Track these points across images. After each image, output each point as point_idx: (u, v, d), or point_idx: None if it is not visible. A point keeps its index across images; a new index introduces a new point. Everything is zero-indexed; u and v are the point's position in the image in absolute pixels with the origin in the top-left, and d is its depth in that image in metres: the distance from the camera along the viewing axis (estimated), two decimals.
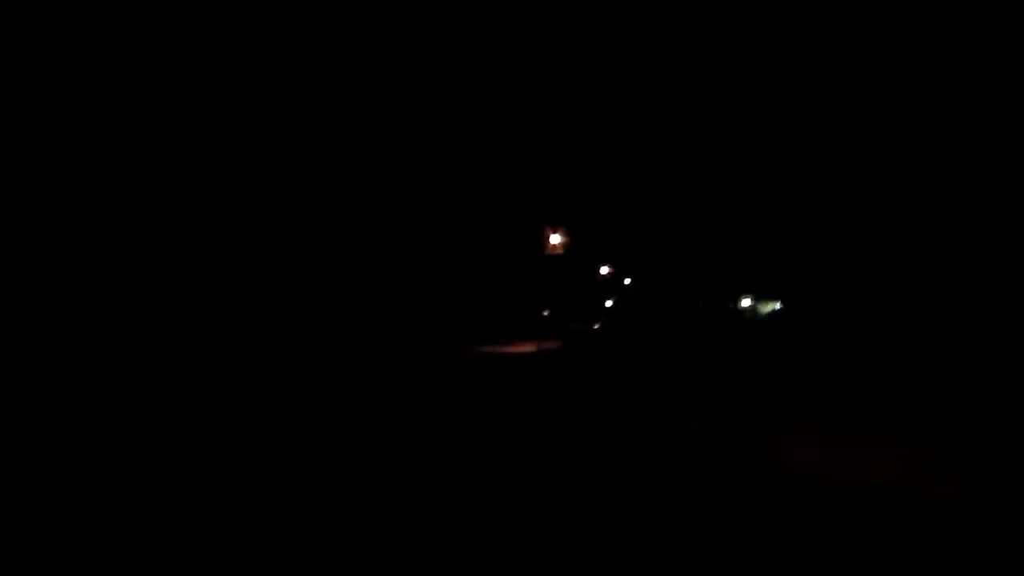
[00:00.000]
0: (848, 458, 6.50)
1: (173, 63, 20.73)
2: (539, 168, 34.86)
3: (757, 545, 4.52)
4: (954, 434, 7.37)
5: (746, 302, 49.41)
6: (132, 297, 18.76)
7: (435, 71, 28.06)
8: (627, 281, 47.46)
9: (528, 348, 23.78)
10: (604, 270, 44.76)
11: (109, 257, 19.00)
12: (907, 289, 22.99)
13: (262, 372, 14.24)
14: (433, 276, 31.29)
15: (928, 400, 9.12)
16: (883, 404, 8.93)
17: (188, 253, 21.10)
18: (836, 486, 5.70)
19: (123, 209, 19.78)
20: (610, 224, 41.35)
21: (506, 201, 34.42)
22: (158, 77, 20.49)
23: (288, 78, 23.83)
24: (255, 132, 23.13)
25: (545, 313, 38.49)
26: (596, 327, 34.69)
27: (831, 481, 5.83)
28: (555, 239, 35.21)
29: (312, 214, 25.62)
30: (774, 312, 44.97)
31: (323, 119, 25.55)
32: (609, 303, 45.87)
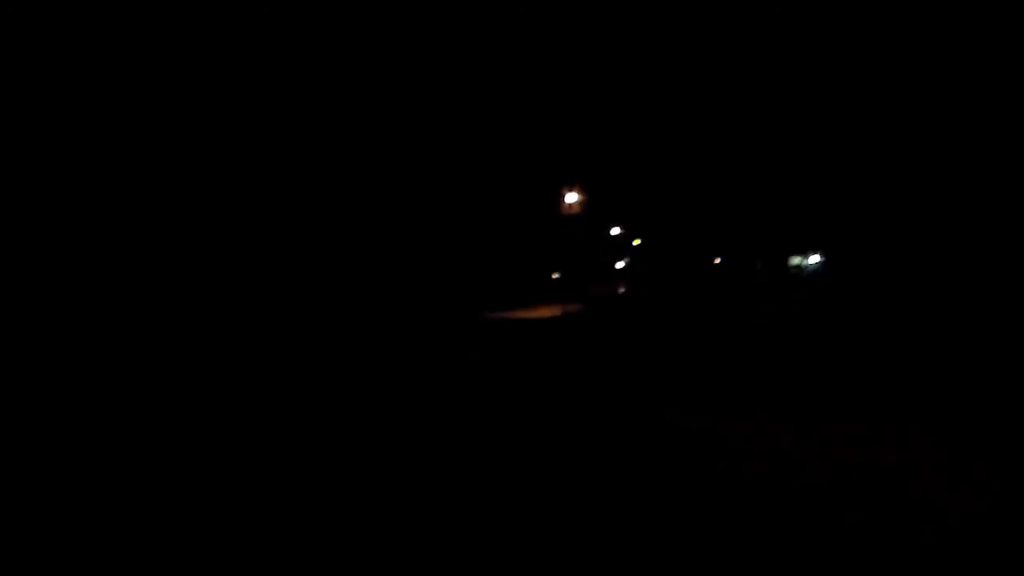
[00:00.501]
0: (848, 458, 6.50)
1: (173, 62, 20.73)
2: (554, 122, 33.89)
3: (756, 545, 4.52)
4: (954, 434, 7.36)
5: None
6: (132, 296, 18.75)
7: (452, 28, 27.74)
8: (636, 242, 46.36)
9: (547, 313, 22.82)
10: (615, 231, 43.68)
11: (109, 256, 18.99)
12: (916, 288, 22.85)
13: (272, 345, 14.30)
14: (450, 238, 30.66)
15: (928, 400, 9.11)
16: (883, 404, 8.92)
17: (204, 235, 21.13)
18: (836, 486, 5.69)
19: (123, 208, 19.78)
20: (622, 182, 40.14)
21: (520, 157, 33.42)
22: (158, 76, 20.49)
23: (302, 36, 23.70)
24: (268, 89, 23.02)
25: (555, 276, 37.52)
26: (621, 291, 33.00)
27: (831, 481, 5.83)
28: (571, 198, 34.22)
29: (325, 175, 25.38)
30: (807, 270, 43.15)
31: (338, 77, 25.35)
32: (620, 265, 44.95)
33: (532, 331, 18.77)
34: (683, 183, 41.27)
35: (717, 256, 47.93)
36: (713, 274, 45.54)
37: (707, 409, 8.76)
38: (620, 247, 45.66)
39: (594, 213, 38.31)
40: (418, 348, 15.66)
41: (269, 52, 22.66)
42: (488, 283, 30.66)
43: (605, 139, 36.94)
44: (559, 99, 33.27)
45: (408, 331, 18.31)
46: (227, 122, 21.99)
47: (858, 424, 7.85)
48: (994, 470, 6.06)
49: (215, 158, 21.83)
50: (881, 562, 4.26)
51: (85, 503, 5.46)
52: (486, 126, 30.97)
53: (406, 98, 27.50)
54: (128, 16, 19.53)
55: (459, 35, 28.18)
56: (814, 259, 47.27)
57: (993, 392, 9.39)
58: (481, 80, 29.95)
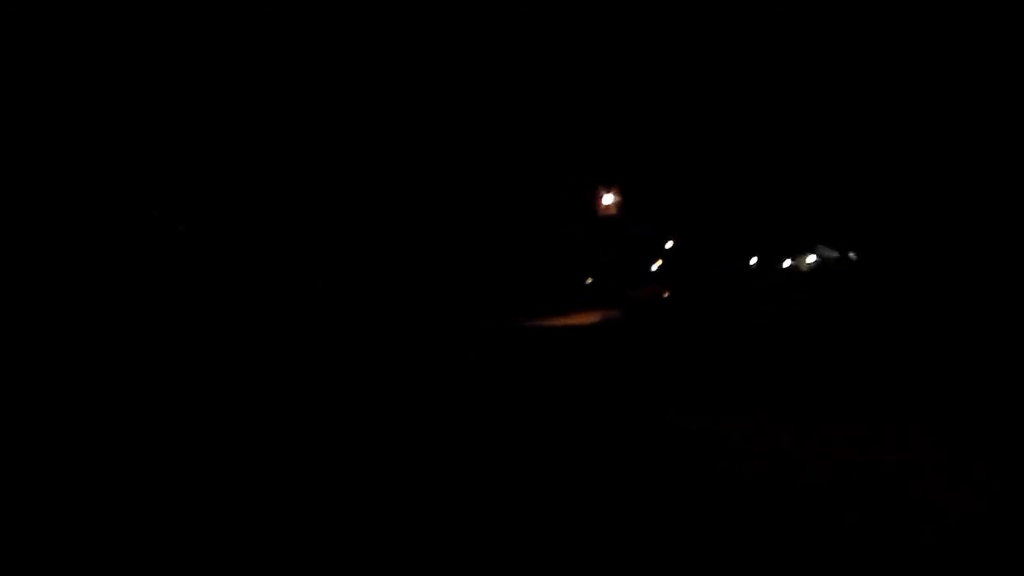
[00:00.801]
0: (848, 458, 6.50)
1: (173, 62, 20.72)
2: (586, 121, 32.81)
3: (756, 545, 4.52)
4: (954, 434, 7.36)
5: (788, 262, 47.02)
6: (133, 296, 18.75)
7: (482, 25, 27.32)
8: (668, 244, 45.16)
9: (586, 320, 21.68)
10: (648, 233, 42.49)
11: (109, 256, 18.99)
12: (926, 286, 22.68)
13: (288, 346, 14.24)
14: (484, 241, 29.80)
15: (928, 400, 9.11)
16: (883, 404, 8.92)
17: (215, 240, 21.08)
18: (836, 486, 5.69)
19: (123, 208, 19.79)
20: (656, 183, 38.78)
21: (553, 158, 32.26)
22: (158, 77, 20.49)
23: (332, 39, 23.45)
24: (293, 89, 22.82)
25: (588, 281, 36.57)
26: (666, 295, 31.40)
27: (831, 481, 5.83)
28: (608, 199, 33.31)
29: (357, 171, 24.98)
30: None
31: (365, 77, 25.00)
32: (655, 267, 43.99)
33: (574, 341, 17.39)
34: (716, 184, 40.48)
35: (752, 257, 47.13)
36: (749, 276, 44.59)
37: (707, 409, 8.76)
38: (654, 250, 44.55)
39: (629, 215, 37.23)
40: (439, 353, 15.35)
41: (298, 49, 22.52)
42: (521, 289, 29.78)
43: (638, 139, 36.12)
44: (590, 98, 32.71)
45: (432, 338, 18.00)
46: (263, 118, 21.82)
47: (858, 424, 7.85)
48: (994, 470, 6.06)
49: (242, 154, 21.69)
50: (881, 562, 4.26)
51: (85, 503, 5.46)
52: (518, 126, 30.37)
53: (438, 96, 27.15)
54: (128, 16, 19.53)
55: (495, 33, 27.86)
56: (811, 259, 46.98)
57: (993, 392, 9.39)
58: (513, 79, 29.50)
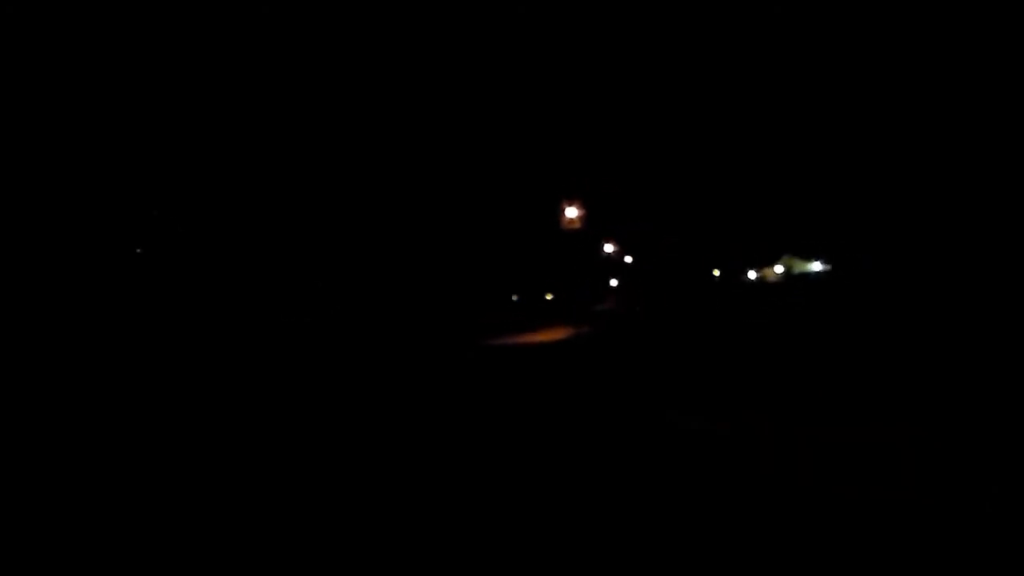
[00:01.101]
0: (846, 459, 6.49)
1: (173, 64, 20.73)
2: (549, 136, 32.37)
3: (756, 544, 4.51)
4: (954, 434, 7.35)
5: (753, 273, 47.02)
6: (132, 297, 18.75)
7: (449, 40, 27.22)
8: (628, 259, 44.75)
9: (556, 336, 21.28)
10: (608, 248, 41.91)
11: (109, 257, 19.00)
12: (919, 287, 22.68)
13: (259, 365, 14.17)
14: (444, 257, 29.40)
15: (927, 401, 9.10)
16: (882, 405, 8.92)
17: (197, 246, 21.02)
18: (835, 486, 5.69)
19: (123, 209, 19.79)
20: (617, 198, 38.20)
21: (513, 170, 31.74)
22: (158, 78, 20.49)
23: (305, 47, 23.37)
24: (265, 97, 22.74)
25: (548, 297, 36.02)
26: (636, 310, 31.09)
27: (830, 481, 5.82)
28: (572, 212, 33.16)
29: (315, 190, 24.81)
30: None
31: (331, 95, 24.89)
32: (614, 282, 43.62)
33: (550, 359, 16.99)
34: (679, 198, 40.39)
35: (716, 269, 47.31)
36: (713, 287, 44.57)
37: (707, 409, 8.76)
38: (614, 264, 44.14)
39: (592, 229, 36.69)
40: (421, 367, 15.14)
41: (246, 60, 22.42)
42: (485, 304, 29.25)
43: (602, 153, 35.90)
44: (554, 113, 32.49)
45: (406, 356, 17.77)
46: (207, 131, 21.77)
47: (858, 425, 7.84)
48: (994, 470, 6.05)
49: (197, 171, 21.61)
50: (881, 562, 4.26)
51: (85, 503, 5.46)
52: (482, 139, 30.07)
53: (399, 110, 27.04)
54: (128, 17, 19.53)
55: (459, 47, 27.83)
56: (815, 266, 47.01)
57: (992, 392, 9.38)
58: (474, 95, 29.33)
